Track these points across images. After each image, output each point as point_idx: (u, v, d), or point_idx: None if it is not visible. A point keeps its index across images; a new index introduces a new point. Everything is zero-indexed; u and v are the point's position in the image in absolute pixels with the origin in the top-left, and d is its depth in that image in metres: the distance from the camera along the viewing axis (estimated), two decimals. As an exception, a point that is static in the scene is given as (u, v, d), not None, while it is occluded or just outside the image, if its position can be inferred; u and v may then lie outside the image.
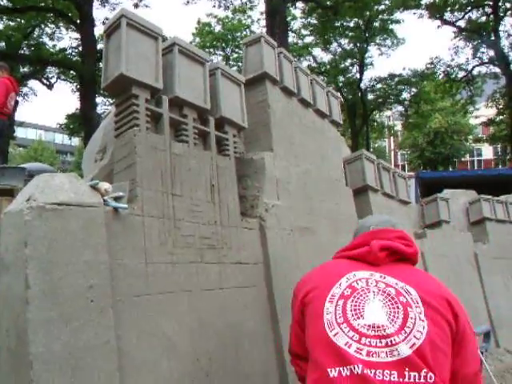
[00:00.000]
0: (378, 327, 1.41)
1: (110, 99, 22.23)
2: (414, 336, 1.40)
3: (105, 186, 2.28)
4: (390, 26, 24.79)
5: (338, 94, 5.12)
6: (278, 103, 3.69)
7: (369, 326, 1.42)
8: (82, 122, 17.07)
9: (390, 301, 1.47)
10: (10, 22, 18.78)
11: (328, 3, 20.66)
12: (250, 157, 3.37)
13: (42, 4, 17.41)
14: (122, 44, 2.48)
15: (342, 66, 27.16)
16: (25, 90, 21.26)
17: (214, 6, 21.24)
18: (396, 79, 26.59)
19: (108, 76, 2.58)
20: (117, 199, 2.29)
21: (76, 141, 41.95)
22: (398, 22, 24.38)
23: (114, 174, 2.58)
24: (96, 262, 2.05)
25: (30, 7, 16.69)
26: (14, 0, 16.25)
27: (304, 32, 26.45)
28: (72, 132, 24.84)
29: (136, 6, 18.52)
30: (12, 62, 15.18)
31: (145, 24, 2.64)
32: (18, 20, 18.61)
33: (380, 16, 23.89)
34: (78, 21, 17.01)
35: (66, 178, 2.18)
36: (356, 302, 1.47)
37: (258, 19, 26.95)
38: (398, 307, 1.45)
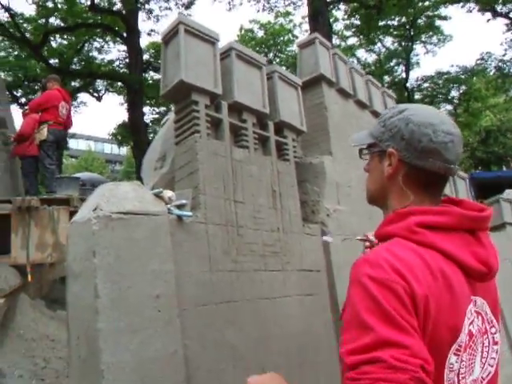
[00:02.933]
0: (476, 381, 1.23)
1: (156, 108, 22.78)
2: (489, 364, 1.22)
3: (168, 194, 2.26)
4: (437, 23, 23.99)
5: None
6: (334, 105, 3.59)
7: (474, 381, 1.22)
8: (131, 131, 17.51)
9: (482, 341, 1.26)
10: (63, 41, 19.64)
11: (371, 3, 20.24)
12: (308, 161, 3.28)
13: (91, 20, 18.07)
14: (181, 50, 2.46)
15: (387, 66, 26.55)
16: (76, 102, 22.12)
17: (259, 11, 21.28)
18: (444, 77, 25.67)
19: (167, 83, 2.56)
20: (180, 207, 2.27)
21: (124, 150, 43.13)
22: (444, 18, 23.54)
23: (175, 182, 2.57)
24: (162, 271, 2.02)
25: (80, 25, 17.38)
26: (67, 19, 16.97)
27: (347, 33, 26.08)
28: (121, 142, 25.57)
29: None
30: (64, 76, 15.83)
31: (202, 29, 2.61)
32: (69, 37, 19.44)
33: (425, 13, 23.17)
34: (125, 34, 17.57)
35: (130, 186, 2.18)
36: (470, 354, 1.17)
37: (301, 23, 26.83)
38: (482, 342, 1.25)
